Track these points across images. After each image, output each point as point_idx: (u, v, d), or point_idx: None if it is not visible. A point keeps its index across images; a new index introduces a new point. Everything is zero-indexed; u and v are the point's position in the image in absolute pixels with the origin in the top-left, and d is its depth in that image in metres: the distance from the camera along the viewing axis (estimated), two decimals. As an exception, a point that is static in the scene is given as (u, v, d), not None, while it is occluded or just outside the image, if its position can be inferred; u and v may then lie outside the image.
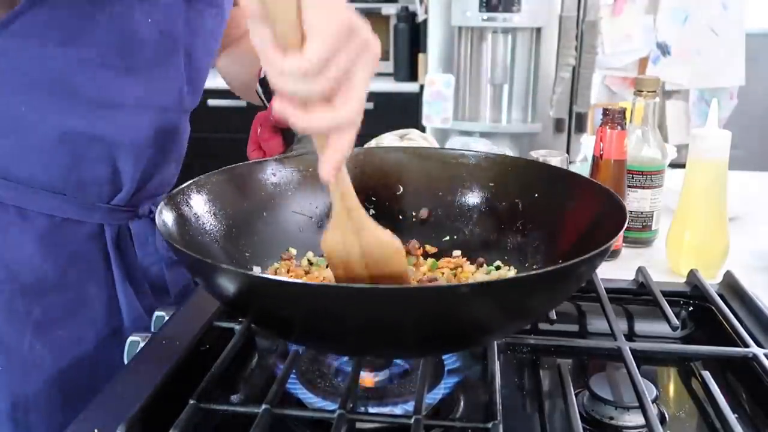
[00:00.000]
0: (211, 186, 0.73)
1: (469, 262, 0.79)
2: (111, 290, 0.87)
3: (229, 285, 0.56)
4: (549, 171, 0.80)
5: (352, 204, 0.60)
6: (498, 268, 0.77)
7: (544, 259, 0.74)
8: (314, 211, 0.81)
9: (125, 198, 0.86)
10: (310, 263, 0.79)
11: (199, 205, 0.72)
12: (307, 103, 0.49)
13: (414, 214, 0.82)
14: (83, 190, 0.82)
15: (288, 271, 0.76)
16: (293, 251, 0.78)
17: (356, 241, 0.61)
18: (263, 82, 0.96)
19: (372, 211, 0.82)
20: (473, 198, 0.81)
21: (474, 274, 0.77)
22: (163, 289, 0.93)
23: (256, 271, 0.74)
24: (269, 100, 0.93)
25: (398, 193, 0.82)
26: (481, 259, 0.78)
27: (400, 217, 0.83)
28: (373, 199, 0.82)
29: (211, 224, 0.72)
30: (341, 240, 0.62)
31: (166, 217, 0.65)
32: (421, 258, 0.80)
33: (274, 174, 0.80)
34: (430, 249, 0.81)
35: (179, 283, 0.94)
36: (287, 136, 0.90)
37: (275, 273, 0.76)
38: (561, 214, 0.74)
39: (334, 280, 0.67)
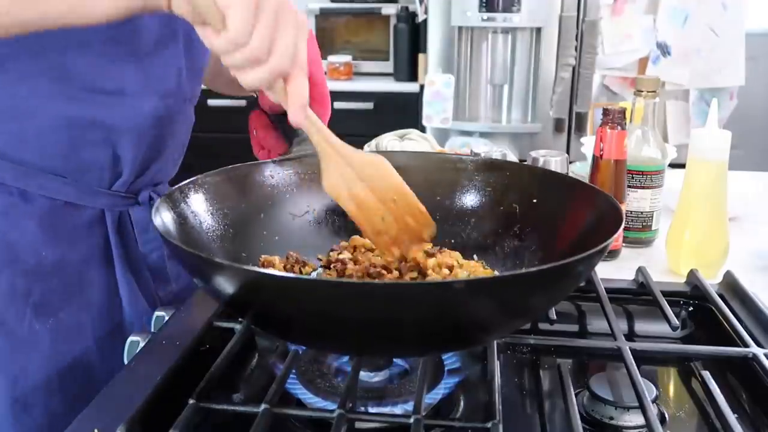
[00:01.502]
0: (209, 185, 0.74)
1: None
2: (111, 276, 0.88)
3: (227, 282, 0.56)
4: (546, 175, 0.81)
5: (329, 134, 0.68)
6: None
7: (541, 263, 0.74)
8: (311, 214, 0.82)
9: (125, 184, 0.87)
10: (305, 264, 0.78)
11: (197, 203, 0.72)
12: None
13: None
14: (83, 174, 0.83)
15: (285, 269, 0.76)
16: (293, 254, 0.78)
17: (349, 167, 0.68)
18: None
19: None
20: (471, 202, 0.82)
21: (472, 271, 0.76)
22: (163, 276, 0.94)
23: None
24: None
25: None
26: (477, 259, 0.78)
27: None
28: None
29: (208, 223, 0.72)
30: (337, 172, 0.68)
31: (164, 215, 0.66)
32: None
33: (272, 176, 0.80)
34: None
35: (180, 272, 0.95)
36: (288, 131, 0.90)
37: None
38: (558, 217, 0.74)
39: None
